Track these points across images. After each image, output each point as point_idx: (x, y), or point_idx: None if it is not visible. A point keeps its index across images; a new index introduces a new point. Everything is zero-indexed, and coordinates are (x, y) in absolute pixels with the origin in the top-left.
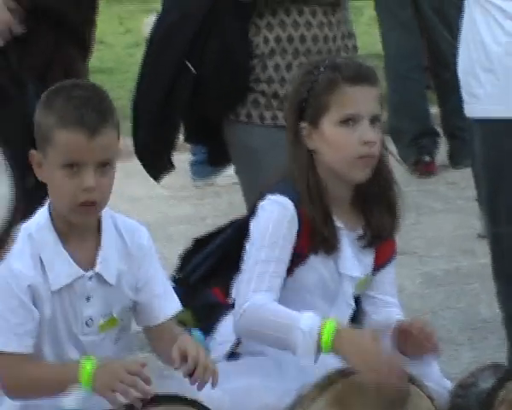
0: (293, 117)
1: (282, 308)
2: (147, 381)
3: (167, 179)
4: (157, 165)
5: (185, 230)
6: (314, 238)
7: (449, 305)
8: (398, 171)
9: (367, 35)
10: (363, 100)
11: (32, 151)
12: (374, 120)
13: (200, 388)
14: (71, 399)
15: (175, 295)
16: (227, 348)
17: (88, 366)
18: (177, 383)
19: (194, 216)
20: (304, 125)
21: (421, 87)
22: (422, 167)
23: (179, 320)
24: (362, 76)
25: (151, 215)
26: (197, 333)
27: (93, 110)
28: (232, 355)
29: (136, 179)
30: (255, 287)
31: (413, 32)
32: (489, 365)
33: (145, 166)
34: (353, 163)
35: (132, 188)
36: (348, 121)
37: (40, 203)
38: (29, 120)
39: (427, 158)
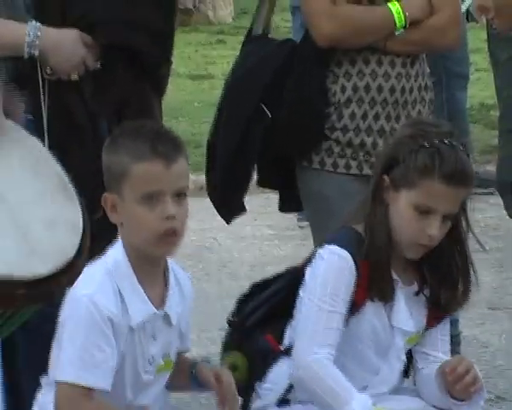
0: (380, 167)
1: (342, 378)
2: None
3: (274, 219)
4: (229, 207)
5: None
6: (371, 288)
7: None
8: (506, 224)
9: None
10: (448, 200)
11: (105, 195)
12: (447, 216)
13: None
14: None
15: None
16: (277, 394)
17: None
18: None
19: (295, 257)
20: (386, 179)
21: None
22: None
23: (231, 363)
24: (458, 178)
25: (252, 254)
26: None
27: (166, 140)
28: (282, 402)
29: (244, 218)
30: (320, 341)
31: None
32: None
33: (216, 207)
34: (411, 246)
35: (239, 226)
36: (423, 212)
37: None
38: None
39: None
